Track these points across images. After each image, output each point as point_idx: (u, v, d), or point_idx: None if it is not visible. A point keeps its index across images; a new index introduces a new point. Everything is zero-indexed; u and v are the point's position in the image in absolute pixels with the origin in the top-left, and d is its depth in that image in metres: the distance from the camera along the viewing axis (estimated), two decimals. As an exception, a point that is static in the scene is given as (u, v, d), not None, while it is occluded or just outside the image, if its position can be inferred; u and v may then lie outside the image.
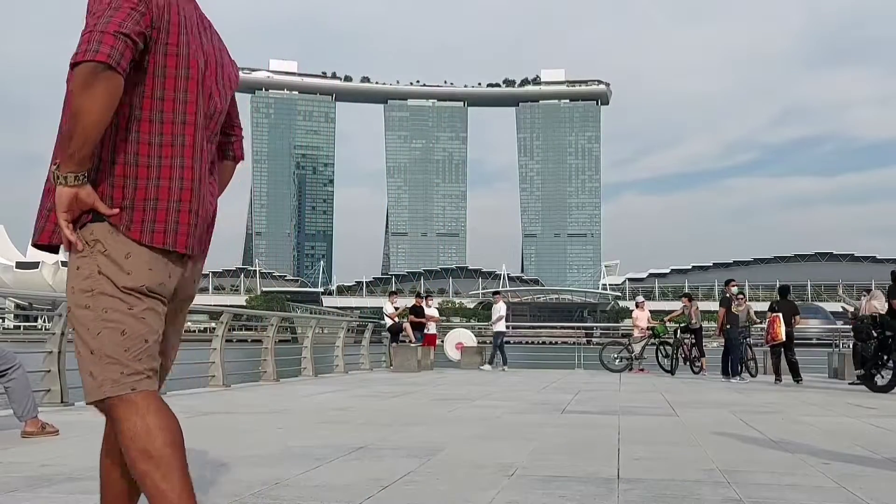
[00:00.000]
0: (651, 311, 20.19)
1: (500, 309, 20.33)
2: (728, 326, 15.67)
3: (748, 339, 17.77)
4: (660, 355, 18.80)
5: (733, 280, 17.10)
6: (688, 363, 18.21)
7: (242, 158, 2.58)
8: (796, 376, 15.11)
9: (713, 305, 20.76)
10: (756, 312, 16.70)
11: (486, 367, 19.52)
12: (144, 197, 2.14)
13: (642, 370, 18.71)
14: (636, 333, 19.27)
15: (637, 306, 20.03)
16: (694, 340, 18.13)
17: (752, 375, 16.88)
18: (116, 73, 2.00)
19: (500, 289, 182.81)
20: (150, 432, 2.09)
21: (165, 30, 2.14)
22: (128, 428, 2.09)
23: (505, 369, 19.37)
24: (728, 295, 16.18)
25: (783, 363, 15.32)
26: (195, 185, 2.20)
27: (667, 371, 18.25)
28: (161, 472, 2.08)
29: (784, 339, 15.08)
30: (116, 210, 2.12)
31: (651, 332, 19.07)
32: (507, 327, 22.05)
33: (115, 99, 2.03)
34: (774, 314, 15.32)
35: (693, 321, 18.13)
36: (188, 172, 2.19)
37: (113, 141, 2.13)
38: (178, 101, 2.18)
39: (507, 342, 21.41)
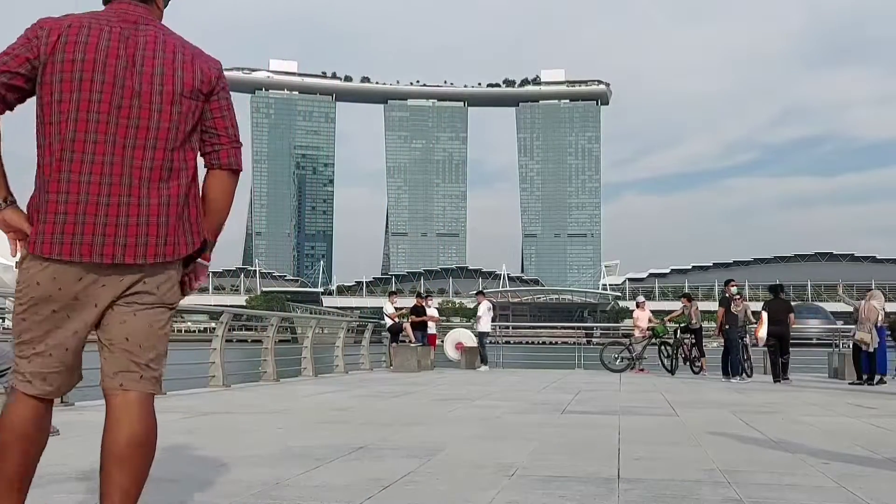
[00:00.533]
0: (652, 311, 20.17)
1: (481, 308, 20.25)
2: (727, 326, 15.68)
3: (744, 340, 17.94)
4: (662, 355, 18.80)
5: (733, 280, 17.10)
6: (688, 363, 18.19)
7: (230, 167, 2.64)
8: (783, 375, 15.16)
9: (713, 305, 20.70)
10: (753, 313, 16.72)
11: (483, 367, 19.48)
12: (37, 212, 2.40)
13: (643, 370, 18.68)
14: (637, 334, 19.25)
15: (638, 306, 20.01)
16: (694, 340, 18.12)
17: (748, 375, 16.90)
18: None
19: (500, 289, 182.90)
20: None
21: (60, 60, 2.40)
22: None
23: (483, 368, 19.34)
24: (727, 295, 16.19)
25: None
26: (81, 198, 2.36)
27: (668, 371, 18.27)
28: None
29: (762, 338, 15.25)
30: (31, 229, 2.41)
31: (651, 332, 19.05)
32: (495, 327, 22.02)
33: None
34: (760, 313, 15.47)
35: (693, 321, 18.13)
36: (74, 186, 2.36)
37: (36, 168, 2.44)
38: (70, 120, 2.39)
39: (507, 342, 21.38)
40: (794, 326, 15.76)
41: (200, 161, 2.63)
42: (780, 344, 15.35)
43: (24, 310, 2.41)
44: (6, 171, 2.49)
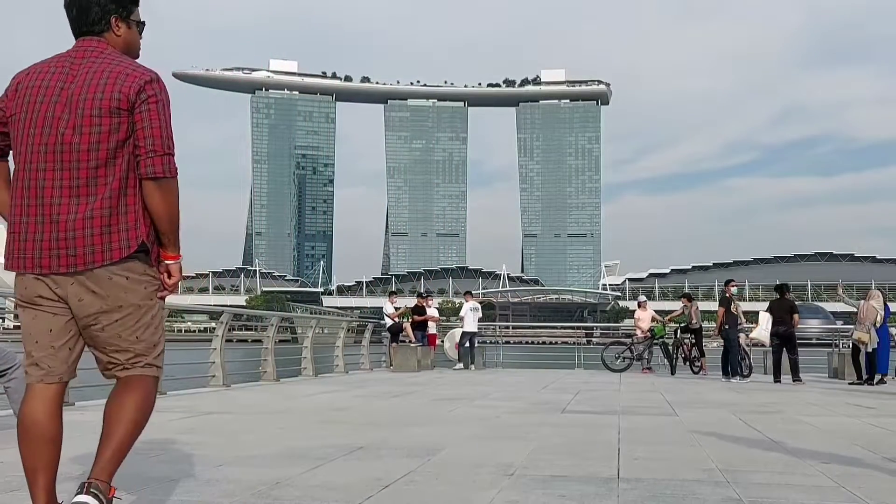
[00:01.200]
0: (654, 311, 20.14)
1: (464, 308, 20.22)
2: (727, 326, 15.66)
3: (684, 339, 18.22)
4: (662, 355, 18.82)
5: (733, 280, 17.06)
6: (687, 363, 18.16)
7: (147, 176, 2.83)
8: (795, 376, 15.10)
9: (713, 305, 20.64)
10: (743, 312, 16.71)
11: (458, 365, 19.47)
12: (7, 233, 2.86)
13: (649, 370, 18.63)
14: (639, 334, 19.22)
15: (640, 306, 19.98)
16: (694, 340, 18.10)
17: (745, 375, 16.90)
18: None
19: (500, 289, 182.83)
20: None
21: (16, 104, 2.86)
22: None
23: (460, 367, 19.34)
24: (727, 295, 16.17)
25: (784, 363, 15.31)
26: (22, 220, 2.81)
27: (669, 369, 18.28)
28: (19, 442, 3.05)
29: (762, 340, 15.27)
30: None
31: (650, 332, 19.04)
32: (494, 328, 21.97)
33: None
34: (764, 312, 15.45)
35: (693, 321, 18.11)
36: (17, 209, 2.82)
37: None
38: (17, 154, 2.84)
39: (507, 342, 21.38)
40: (797, 326, 15.71)
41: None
42: (786, 343, 15.30)
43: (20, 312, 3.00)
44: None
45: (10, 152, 2.92)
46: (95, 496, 2.83)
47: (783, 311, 15.37)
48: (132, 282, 2.83)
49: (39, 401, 3.05)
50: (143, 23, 3.13)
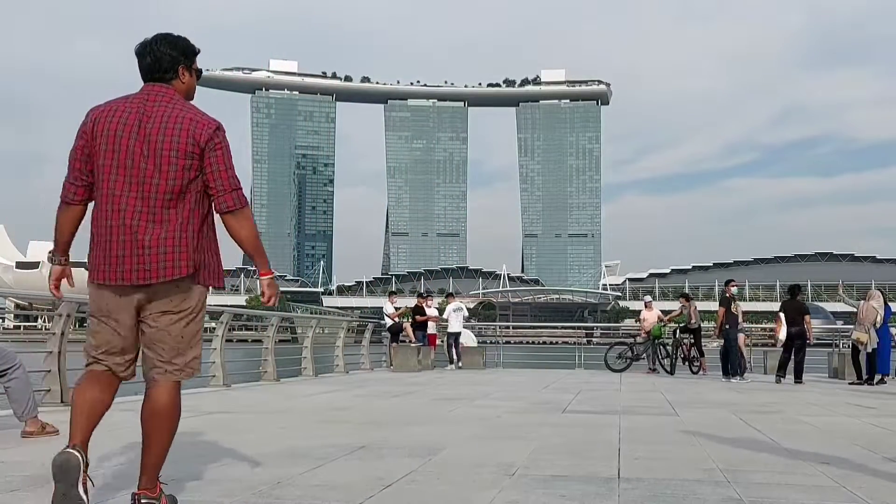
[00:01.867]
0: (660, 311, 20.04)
1: (447, 310, 20.22)
2: (727, 326, 15.63)
3: (684, 339, 18.04)
4: (658, 356, 18.69)
5: (733, 280, 17.02)
6: (687, 363, 18.08)
7: (222, 211, 3.37)
8: (797, 377, 15.08)
9: (713, 305, 20.55)
10: (747, 312, 16.70)
11: (450, 367, 19.47)
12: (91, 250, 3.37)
13: (654, 370, 18.54)
14: (644, 334, 19.15)
15: (646, 306, 19.91)
16: (693, 340, 18.04)
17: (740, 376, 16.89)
18: (69, 205, 3.39)
19: (501, 289, 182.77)
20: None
21: (96, 139, 3.32)
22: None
23: (452, 367, 19.35)
24: (728, 295, 16.13)
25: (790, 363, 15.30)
26: (104, 239, 3.29)
27: (667, 371, 18.20)
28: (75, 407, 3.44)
29: (781, 339, 15.11)
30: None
31: (647, 333, 18.94)
32: (481, 329, 21.90)
33: (68, 218, 3.41)
34: (778, 313, 15.37)
35: (692, 321, 18.06)
36: (101, 230, 3.31)
37: None
38: (99, 182, 3.31)
39: (508, 342, 21.34)
40: (810, 328, 15.61)
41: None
42: (796, 344, 15.23)
43: (88, 314, 3.47)
44: (72, 241, 3.48)
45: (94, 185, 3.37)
46: (146, 498, 3.29)
47: (795, 311, 15.33)
48: (187, 295, 3.36)
49: (95, 384, 3.40)
50: (201, 70, 3.62)
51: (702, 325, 18.81)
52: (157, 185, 3.27)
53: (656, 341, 18.78)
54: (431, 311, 20.41)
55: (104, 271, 3.28)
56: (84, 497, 3.19)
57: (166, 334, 3.34)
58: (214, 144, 3.35)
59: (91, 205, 3.39)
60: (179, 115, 3.34)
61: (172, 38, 3.50)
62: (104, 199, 3.30)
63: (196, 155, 3.31)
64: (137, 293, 3.29)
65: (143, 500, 3.27)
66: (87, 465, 3.32)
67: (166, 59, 3.43)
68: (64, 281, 3.48)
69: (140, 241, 3.24)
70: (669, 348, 18.49)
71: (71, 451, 3.29)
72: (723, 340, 16.03)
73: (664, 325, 19.03)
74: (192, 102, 3.50)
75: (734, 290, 16.31)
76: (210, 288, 3.46)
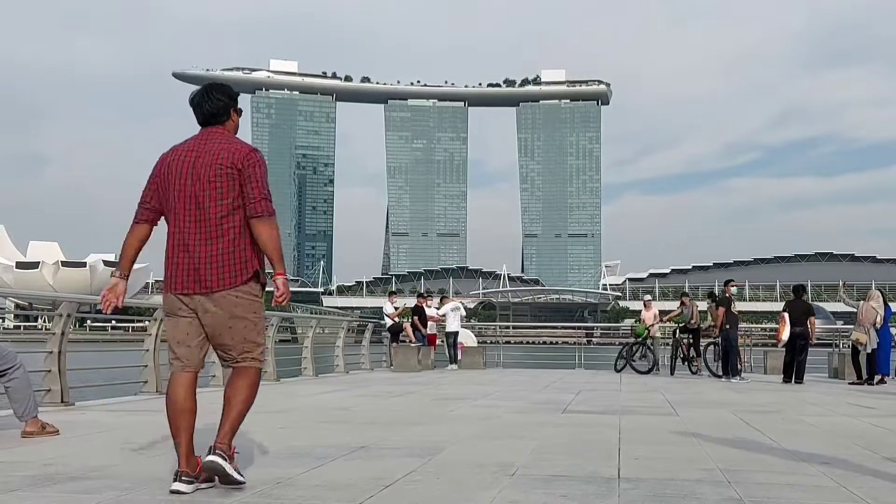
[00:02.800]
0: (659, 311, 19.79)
1: (444, 309, 20.18)
2: (728, 326, 15.60)
3: (684, 339, 17.85)
4: (637, 356, 18.34)
5: (733, 280, 16.97)
6: (686, 363, 17.93)
7: (253, 215, 4.00)
8: (798, 377, 15.04)
9: (695, 306, 20.34)
10: (745, 312, 16.57)
11: (452, 366, 19.45)
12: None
13: (657, 370, 18.38)
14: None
15: (645, 306, 19.78)
16: (692, 340, 17.89)
17: (716, 375, 16.77)
18: (137, 224, 4.18)
19: (501, 289, 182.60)
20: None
21: (164, 176, 4.09)
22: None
23: (454, 367, 19.34)
24: (728, 295, 16.09)
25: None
26: (166, 256, 4.07)
27: (641, 373, 17.84)
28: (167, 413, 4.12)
29: (783, 339, 15.02)
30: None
31: (630, 330, 18.68)
32: (481, 329, 21.75)
33: (135, 235, 4.20)
34: (783, 313, 15.25)
35: (692, 321, 17.99)
36: (169, 250, 4.07)
37: None
38: (167, 212, 4.11)
39: (508, 342, 21.27)
40: (814, 329, 15.55)
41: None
42: (798, 345, 15.17)
43: (165, 321, 4.22)
44: (135, 259, 4.23)
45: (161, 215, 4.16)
46: (220, 455, 3.94)
47: (800, 312, 15.28)
48: (241, 300, 4.01)
49: (180, 384, 4.09)
50: (242, 109, 4.33)
51: (702, 325, 18.71)
52: (209, 209, 3.98)
53: (645, 341, 18.50)
54: (431, 312, 20.40)
55: (171, 282, 4.05)
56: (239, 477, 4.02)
57: (232, 333, 4.04)
58: (250, 163, 4.02)
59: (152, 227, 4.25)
60: (225, 147, 4.05)
61: (224, 87, 4.27)
62: (171, 224, 4.07)
63: (235, 176, 3.98)
64: (204, 298, 3.99)
65: (217, 450, 3.99)
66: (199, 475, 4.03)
67: (222, 105, 4.18)
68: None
69: (197, 257, 3.98)
70: (652, 348, 18.31)
71: (182, 485, 3.93)
72: (722, 340, 15.97)
73: (651, 325, 18.71)
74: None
75: (734, 290, 16.27)
76: (263, 288, 4.15)
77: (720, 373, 16.60)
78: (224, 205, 3.97)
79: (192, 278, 3.98)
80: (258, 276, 4.07)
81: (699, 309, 18.15)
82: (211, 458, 3.93)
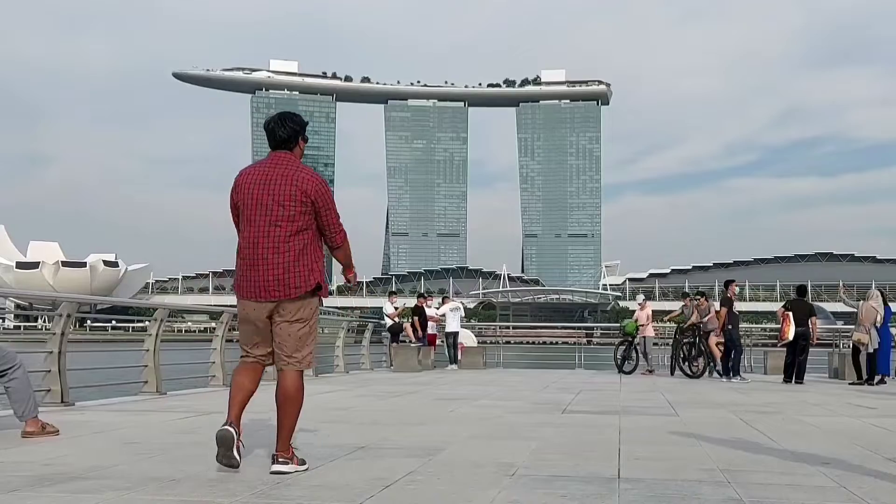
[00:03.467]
0: (652, 311, 19.72)
1: (443, 309, 20.16)
2: (730, 327, 15.56)
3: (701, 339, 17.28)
4: (616, 353, 18.22)
5: (734, 280, 16.88)
6: (686, 363, 17.64)
7: (331, 247, 4.82)
8: (798, 377, 15.02)
9: (713, 306, 20.26)
10: (742, 312, 16.46)
11: (452, 366, 19.43)
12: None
13: (651, 371, 18.30)
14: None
15: (640, 306, 19.80)
16: (694, 340, 17.59)
17: (693, 374, 16.69)
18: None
19: (501, 289, 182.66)
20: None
21: (240, 193, 4.69)
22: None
23: (454, 367, 19.32)
24: (730, 295, 16.03)
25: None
26: (238, 266, 4.70)
27: (623, 372, 17.60)
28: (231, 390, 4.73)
29: (790, 338, 14.92)
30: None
31: (620, 329, 18.21)
32: (481, 329, 21.61)
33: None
34: (786, 312, 15.14)
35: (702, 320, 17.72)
36: (241, 261, 4.71)
37: None
38: (241, 224, 4.72)
39: (508, 342, 21.21)
40: (815, 330, 15.52)
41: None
42: (799, 345, 15.14)
43: (238, 322, 4.90)
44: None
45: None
46: (284, 462, 4.50)
47: (802, 312, 15.25)
48: (302, 308, 4.62)
49: (244, 374, 4.74)
50: (308, 137, 4.96)
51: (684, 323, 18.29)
52: (280, 226, 4.54)
53: (633, 341, 18.21)
54: (431, 312, 20.41)
55: (244, 289, 4.64)
56: (237, 457, 4.44)
57: (287, 336, 4.60)
58: (321, 194, 4.64)
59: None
60: (296, 174, 4.63)
61: (295, 116, 4.86)
62: (243, 236, 4.66)
63: (307, 203, 4.58)
64: (269, 304, 4.58)
65: (279, 459, 4.49)
66: (239, 434, 4.49)
67: (292, 132, 4.76)
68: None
69: (270, 265, 4.54)
70: (631, 348, 18.02)
71: (227, 427, 4.46)
72: (724, 341, 15.92)
73: (643, 325, 18.36)
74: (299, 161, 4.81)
75: (737, 289, 16.19)
76: (321, 299, 4.75)
77: (690, 372, 16.69)
78: (294, 226, 4.56)
79: (262, 287, 4.56)
80: (319, 288, 4.64)
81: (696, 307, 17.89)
82: (274, 468, 4.49)
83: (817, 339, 16.71)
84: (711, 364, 17.03)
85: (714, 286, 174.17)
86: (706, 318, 17.03)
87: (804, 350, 15.25)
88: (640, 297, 20.27)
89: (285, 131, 4.74)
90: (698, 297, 18.54)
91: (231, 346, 14.25)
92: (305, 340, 4.65)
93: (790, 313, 15.04)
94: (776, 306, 15.87)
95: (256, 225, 4.58)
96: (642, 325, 18.65)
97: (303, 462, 4.63)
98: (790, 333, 14.85)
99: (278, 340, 4.63)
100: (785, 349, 15.59)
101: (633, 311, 19.56)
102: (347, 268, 5.03)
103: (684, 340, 17.75)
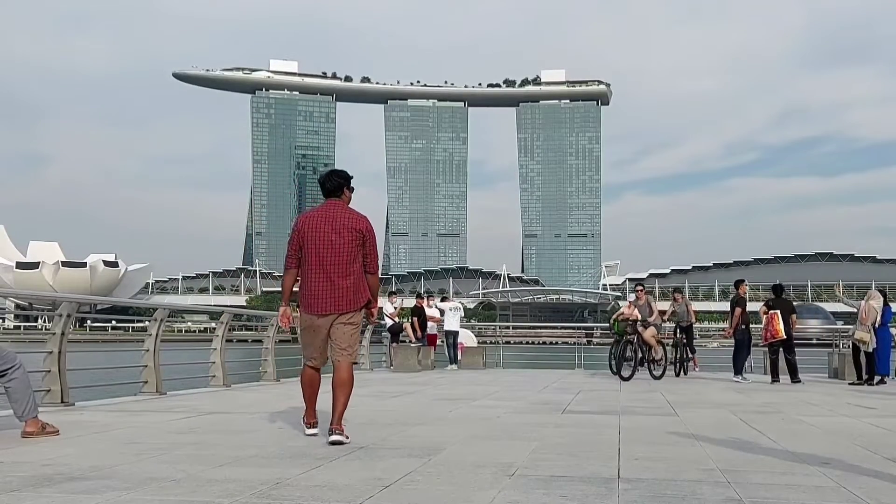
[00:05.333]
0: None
1: (443, 305, 20.12)
2: (744, 326, 15.50)
3: (683, 338, 17.03)
4: (610, 355, 16.86)
5: (745, 280, 16.57)
6: (676, 364, 16.65)
7: (369, 272, 6.21)
8: (794, 377, 14.99)
9: (713, 305, 20.21)
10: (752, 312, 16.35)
11: (452, 367, 19.40)
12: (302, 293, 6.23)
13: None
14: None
15: (630, 305, 18.23)
16: (685, 339, 17.16)
17: (675, 374, 16.34)
18: (290, 269, 6.19)
19: (501, 289, 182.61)
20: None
21: (303, 234, 6.10)
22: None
23: (454, 367, 19.30)
24: (742, 295, 15.90)
25: (781, 363, 15.21)
26: (308, 287, 6.08)
27: (614, 374, 16.14)
28: (303, 391, 6.37)
29: (784, 335, 14.90)
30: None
31: (611, 329, 17.24)
32: (481, 329, 21.33)
33: (291, 278, 6.22)
34: (773, 311, 15.08)
35: (686, 318, 17.18)
36: (307, 284, 6.08)
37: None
38: (306, 255, 6.09)
39: (508, 342, 21.10)
40: (795, 327, 15.56)
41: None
42: (784, 344, 15.15)
43: (301, 332, 6.20)
44: (292, 293, 6.23)
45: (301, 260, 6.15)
46: (339, 434, 5.78)
47: (787, 311, 15.24)
48: (354, 316, 6.08)
49: (310, 374, 6.24)
50: (354, 187, 6.38)
51: (693, 323, 17.77)
52: (343, 255, 5.99)
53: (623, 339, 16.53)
54: (431, 312, 20.41)
55: (314, 305, 6.03)
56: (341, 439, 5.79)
57: (342, 334, 6.03)
58: (370, 233, 6.16)
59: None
60: (350, 215, 6.14)
61: (341, 172, 6.33)
62: (312, 263, 6.03)
63: (360, 235, 6.06)
64: (332, 315, 6.01)
65: (336, 431, 5.78)
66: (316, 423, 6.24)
67: (338, 184, 6.25)
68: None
69: (338, 287, 5.99)
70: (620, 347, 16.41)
71: (313, 430, 6.20)
72: (734, 341, 15.77)
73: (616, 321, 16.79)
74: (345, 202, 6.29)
75: (747, 289, 16.05)
76: (362, 310, 6.14)
77: (626, 375, 15.34)
78: (353, 255, 6.02)
79: (330, 303, 5.97)
80: (369, 304, 6.14)
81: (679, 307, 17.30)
82: (332, 438, 5.76)
83: (816, 338, 16.69)
84: (674, 361, 16.43)
85: (714, 286, 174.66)
86: (651, 316, 16.31)
87: (792, 349, 15.27)
88: (631, 296, 19.03)
89: (332, 184, 6.22)
90: (674, 294, 17.99)
91: (231, 346, 14.29)
92: (354, 338, 6.09)
93: (777, 312, 14.99)
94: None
95: (324, 255, 5.97)
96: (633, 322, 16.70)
97: (348, 437, 5.87)
98: (782, 332, 14.84)
99: (335, 338, 6.01)
100: (768, 349, 15.60)
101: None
102: (375, 299, 6.20)
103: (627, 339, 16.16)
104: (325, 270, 5.92)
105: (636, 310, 16.19)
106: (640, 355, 15.66)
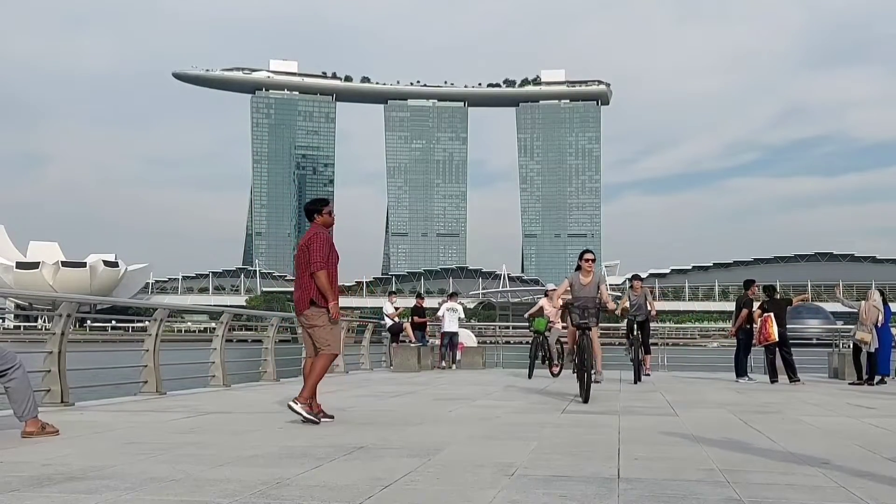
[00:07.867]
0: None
1: (441, 310, 20.13)
2: (748, 326, 15.47)
3: (640, 336, 15.16)
4: (530, 354, 15.69)
5: (755, 280, 16.12)
6: (635, 367, 14.53)
7: (311, 271, 7.56)
8: (793, 375, 14.95)
9: (713, 305, 20.22)
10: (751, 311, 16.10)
11: (452, 367, 19.40)
12: None
13: (558, 366, 15.86)
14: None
15: (546, 296, 16.67)
16: (640, 337, 15.15)
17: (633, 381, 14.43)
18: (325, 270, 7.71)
19: (500, 289, 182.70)
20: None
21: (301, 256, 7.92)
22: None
23: (453, 368, 19.29)
24: (752, 295, 15.78)
25: (779, 363, 15.22)
26: (295, 292, 7.93)
27: (555, 375, 15.39)
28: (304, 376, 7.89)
29: (776, 338, 14.88)
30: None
31: (529, 325, 16.13)
32: (480, 329, 21.15)
33: (328, 276, 7.62)
34: (766, 314, 15.06)
35: (643, 312, 15.34)
36: (296, 291, 7.92)
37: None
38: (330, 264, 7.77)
39: (508, 342, 21.02)
40: (788, 326, 15.56)
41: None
42: (780, 343, 15.14)
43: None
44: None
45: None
46: (296, 402, 7.23)
47: (782, 311, 15.24)
48: (314, 318, 7.52)
49: (307, 363, 7.71)
50: (331, 210, 7.95)
51: (653, 318, 15.88)
52: (299, 268, 7.61)
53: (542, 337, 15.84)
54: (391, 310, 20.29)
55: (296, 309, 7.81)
56: (314, 419, 7.26)
57: (316, 335, 7.51)
58: (312, 243, 7.52)
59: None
60: (309, 232, 7.71)
61: (310, 203, 7.84)
62: (297, 278, 7.73)
63: (305, 250, 7.53)
64: (301, 316, 7.62)
65: (296, 400, 7.30)
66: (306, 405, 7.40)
67: (308, 212, 7.87)
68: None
69: (297, 294, 7.60)
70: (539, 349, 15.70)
71: (327, 419, 7.58)
72: (736, 341, 15.77)
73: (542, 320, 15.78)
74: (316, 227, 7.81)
75: (757, 290, 15.93)
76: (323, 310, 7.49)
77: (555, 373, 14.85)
78: (304, 267, 7.51)
79: (297, 306, 7.65)
80: (313, 302, 7.45)
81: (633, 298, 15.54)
82: (290, 403, 7.29)
83: (816, 338, 16.68)
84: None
85: (714, 286, 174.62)
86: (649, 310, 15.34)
87: (788, 346, 15.28)
88: (550, 286, 17.60)
89: (307, 213, 7.84)
90: (633, 280, 16.00)
91: (231, 346, 14.29)
92: (327, 335, 7.45)
93: (771, 314, 14.96)
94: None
95: (296, 269, 7.70)
96: (551, 323, 15.88)
97: (330, 417, 7.49)
98: (776, 334, 14.81)
99: (314, 337, 7.54)
100: (765, 350, 15.62)
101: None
102: (326, 296, 7.39)
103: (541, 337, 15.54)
104: (297, 281, 7.66)
105: (552, 308, 14.87)
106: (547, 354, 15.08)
